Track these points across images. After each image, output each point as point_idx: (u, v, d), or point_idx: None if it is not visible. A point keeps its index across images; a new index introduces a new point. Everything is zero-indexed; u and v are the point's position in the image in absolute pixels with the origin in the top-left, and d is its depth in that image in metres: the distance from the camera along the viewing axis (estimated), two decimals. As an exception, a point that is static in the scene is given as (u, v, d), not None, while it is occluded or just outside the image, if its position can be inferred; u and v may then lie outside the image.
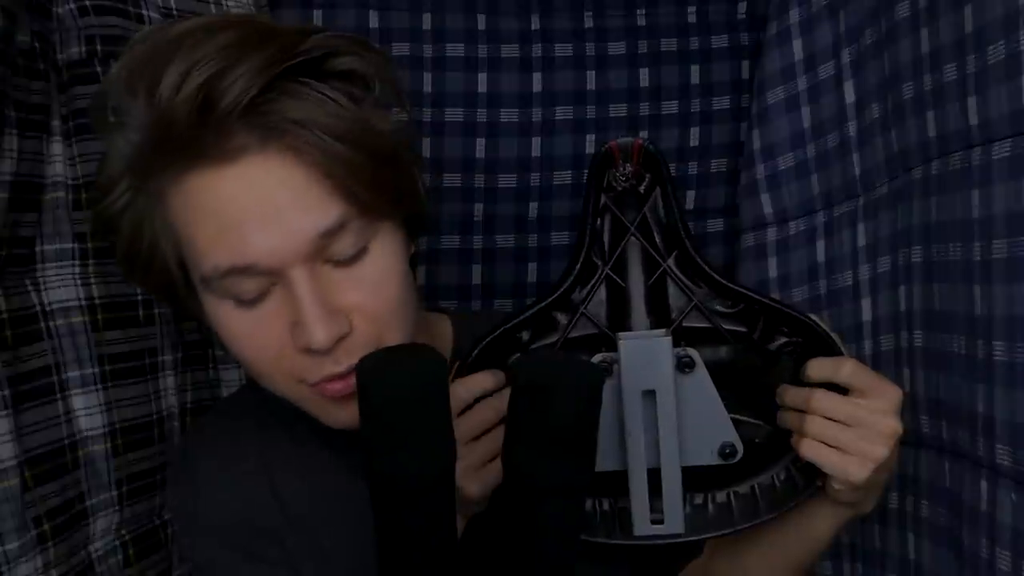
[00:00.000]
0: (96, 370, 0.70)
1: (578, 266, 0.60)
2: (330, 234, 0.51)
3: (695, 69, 0.93)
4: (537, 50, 0.90)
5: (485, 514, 0.56)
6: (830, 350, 0.58)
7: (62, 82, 0.69)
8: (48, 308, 0.67)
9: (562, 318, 0.61)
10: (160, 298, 0.62)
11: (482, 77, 0.90)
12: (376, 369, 0.51)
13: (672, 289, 0.61)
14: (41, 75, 0.66)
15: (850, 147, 0.82)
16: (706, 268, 0.59)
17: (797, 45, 0.88)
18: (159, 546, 0.75)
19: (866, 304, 0.78)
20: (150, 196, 0.53)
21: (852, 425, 0.55)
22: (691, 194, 0.97)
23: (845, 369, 0.55)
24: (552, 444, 0.51)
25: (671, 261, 0.60)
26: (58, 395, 0.67)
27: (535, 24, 0.90)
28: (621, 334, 0.58)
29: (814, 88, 0.86)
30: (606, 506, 0.62)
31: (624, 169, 0.59)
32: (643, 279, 0.60)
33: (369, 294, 0.54)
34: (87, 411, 0.69)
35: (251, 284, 0.52)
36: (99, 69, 0.70)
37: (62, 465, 0.66)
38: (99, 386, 0.70)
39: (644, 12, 0.91)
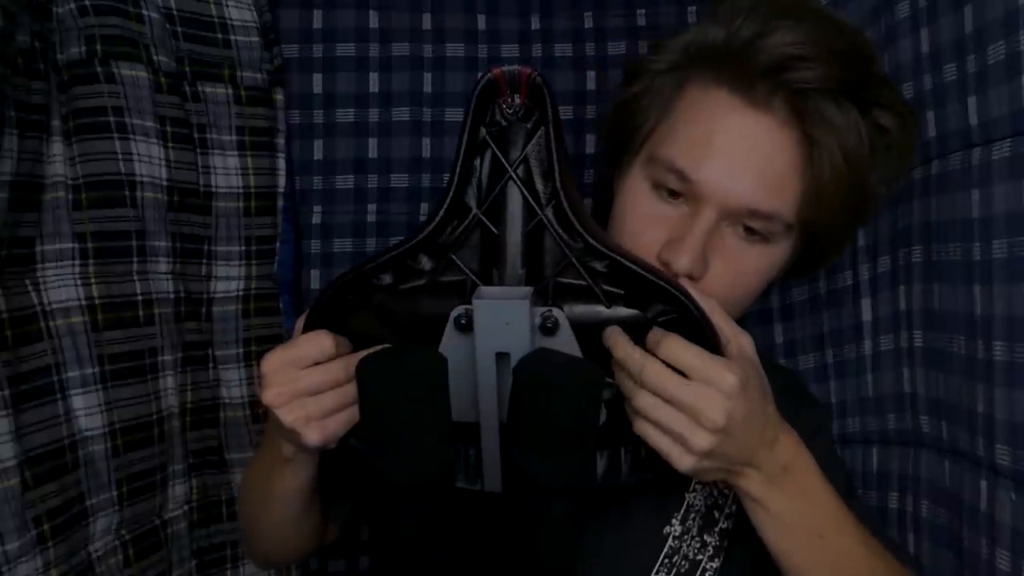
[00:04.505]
0: (96, 370, 0.70)
1: (443, 210, 0.53)
2: (758, 216, 0.58)
3: (695, 69, 0.93)
4: (537, 50, 0.90)
5: (487, 511, 0.57)
6: (700, 326, 0.53)
7: (62, 82, 0.69)
8: (48, 308, 0.67)
9: (427, 263, 0.55)
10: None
11: (482, 77, 0.90)
12: (376, 369, 0.51)
13: (549, 241, 0.54)
14: (41, 75, 0.66)
15: (850, 147, 0.81)
16: (577, 226, 0.53)
17: (797, 45, 0.87)
18: (159, 546, 0.75)
19: (866, 304, 0.78)
20: (681, 77, 0.63)
21: (678, 408, 0.50)
22: (691, 194, 0.96)
23: (664, 346, 0.51)
24: (553, 444, 0.52)
25: (550, 211, 0.54)
26: (58, 395, 0.67)
27: (535, 24, 0.89)
28: (481, 290, 0.53)
29: (814, 88, 0.86)
30: (472, 452, 0.59)
31: (512, 101, 0.53)
32: (520, 228, 0.54)
33: (733, 274, 0.60)
34: (87, 411, 0.69)
35: (677, 187, 0.59)
36: (99, 69, 0.70)
37: (62, 465, 0.66)
38: (99, 386, 0.70)
39: (644, 12, 0.91)
